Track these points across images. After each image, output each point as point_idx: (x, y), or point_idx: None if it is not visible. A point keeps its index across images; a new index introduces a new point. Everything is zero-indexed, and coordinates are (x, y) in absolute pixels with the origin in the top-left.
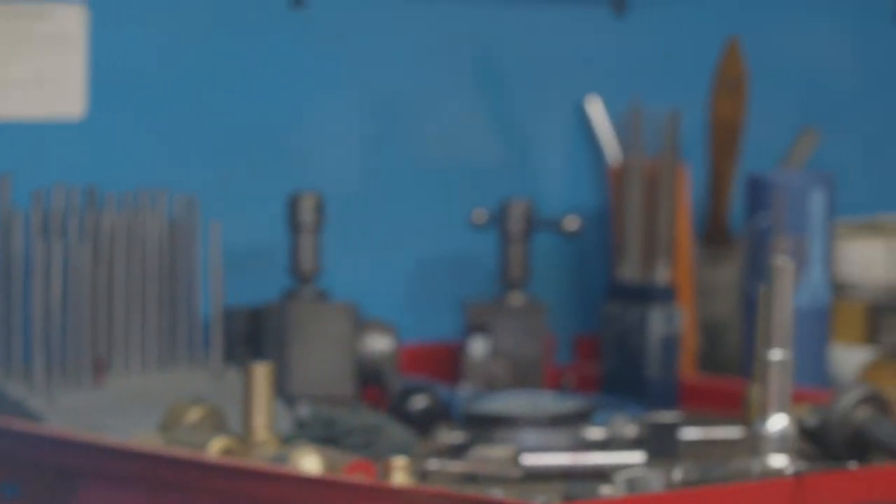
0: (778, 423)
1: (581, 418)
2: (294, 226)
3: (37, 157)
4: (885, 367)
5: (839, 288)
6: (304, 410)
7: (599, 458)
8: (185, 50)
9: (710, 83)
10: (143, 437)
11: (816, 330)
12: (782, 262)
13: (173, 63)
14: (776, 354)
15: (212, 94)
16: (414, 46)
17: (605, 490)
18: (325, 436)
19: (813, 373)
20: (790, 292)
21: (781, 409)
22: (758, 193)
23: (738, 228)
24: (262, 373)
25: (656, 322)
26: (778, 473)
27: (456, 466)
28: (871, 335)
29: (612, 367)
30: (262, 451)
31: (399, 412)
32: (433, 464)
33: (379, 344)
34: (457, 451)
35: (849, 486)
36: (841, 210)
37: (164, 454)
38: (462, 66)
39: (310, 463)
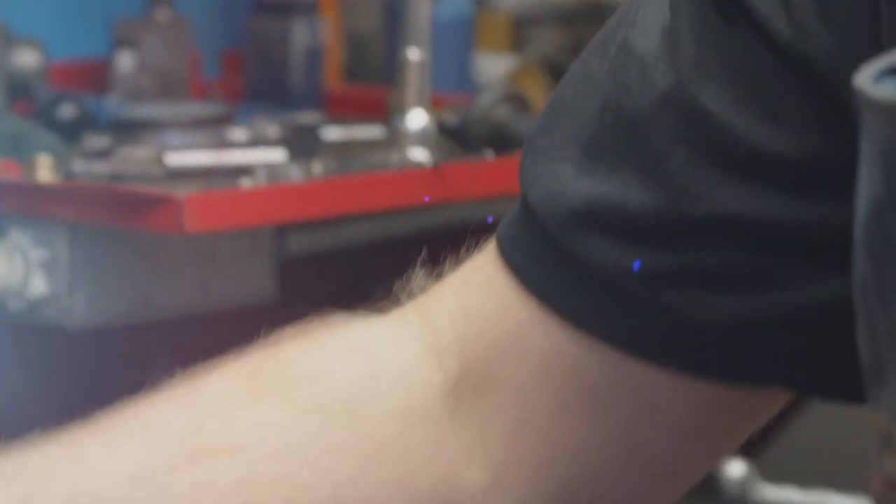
0: (417, 119)
1: (223, 121)
2: None
3: None
4: (527, 74)
5: (482, 1)
6: None
7: (241, 156)
8: None
9: None
10: None
11: (460, 41)
12: None
13: None
14: (414, 54)
15: None
16: None
17: (246, 182)
18: None
19: (457, 81)
20: None
21: (420, 105)
22: None
23: None
24: None
25: (299, 34)
26: (417, 165)
27: (101, 167)
28: (516, 46)
29: (257, 79)
30: None
31: (47, 121)
32: (78, 165)
33: (27, 59)
34: (102, 155)
35: (486, 175)
36: None
37: None
38: None
39: None
